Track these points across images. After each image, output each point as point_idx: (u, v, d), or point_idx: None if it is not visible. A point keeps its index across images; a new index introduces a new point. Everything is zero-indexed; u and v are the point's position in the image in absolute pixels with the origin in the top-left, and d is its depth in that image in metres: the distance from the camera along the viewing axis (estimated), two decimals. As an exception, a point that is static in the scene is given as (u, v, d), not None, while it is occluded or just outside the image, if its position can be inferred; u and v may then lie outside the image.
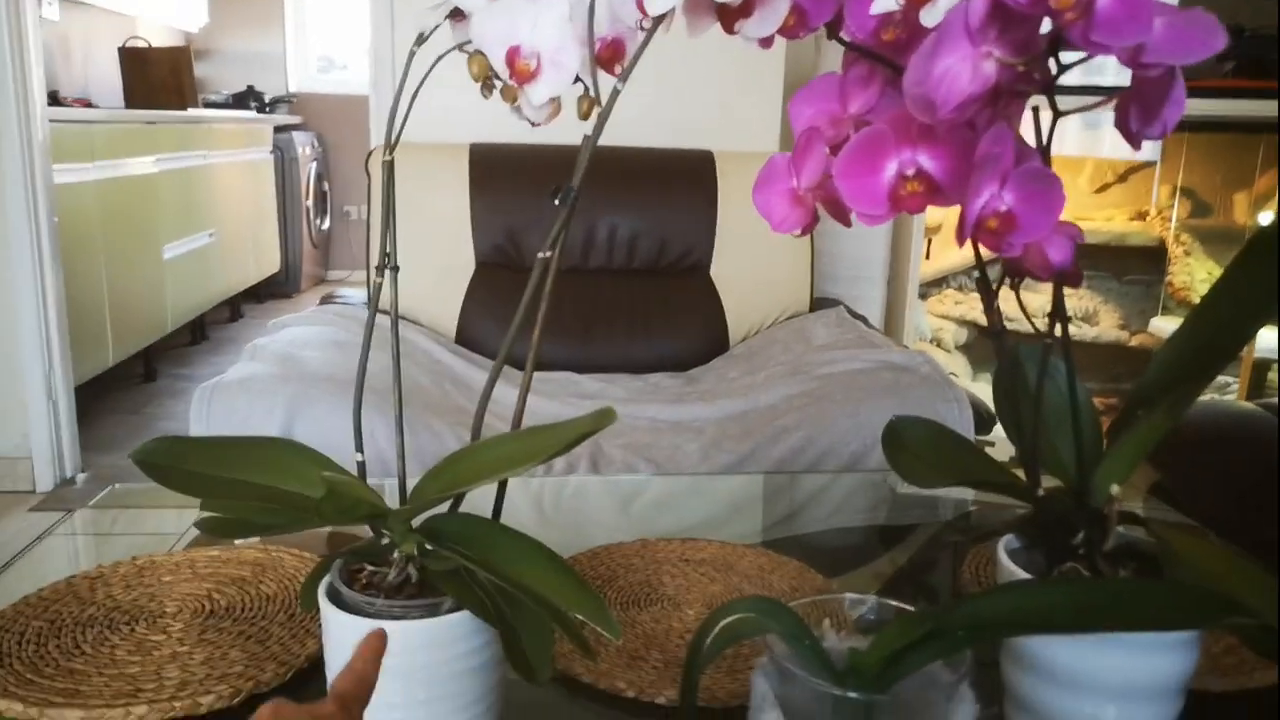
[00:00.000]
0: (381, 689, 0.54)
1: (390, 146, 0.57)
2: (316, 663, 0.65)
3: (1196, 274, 2.61)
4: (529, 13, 0.49)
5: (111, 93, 3.94)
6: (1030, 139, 0.51)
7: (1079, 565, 0.57)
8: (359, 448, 0.61)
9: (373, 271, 0.56)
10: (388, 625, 0.53)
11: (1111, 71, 2.35)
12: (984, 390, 1.47)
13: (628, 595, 0.76)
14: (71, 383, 2.39)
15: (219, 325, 4.15)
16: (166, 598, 0.73)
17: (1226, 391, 2.55)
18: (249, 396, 1.30)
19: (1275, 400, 1.44)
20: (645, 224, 1.95)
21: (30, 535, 0.90)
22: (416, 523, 0.56)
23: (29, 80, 2.23)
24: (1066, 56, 0.44)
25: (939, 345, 2.83)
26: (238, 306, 4.32)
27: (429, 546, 0.55)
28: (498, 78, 0.50)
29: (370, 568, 0.57)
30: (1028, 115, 0.52)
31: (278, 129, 4.56)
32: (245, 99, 4.74)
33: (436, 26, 0.53)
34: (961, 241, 0.47)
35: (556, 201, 0.50)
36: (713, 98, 2.11)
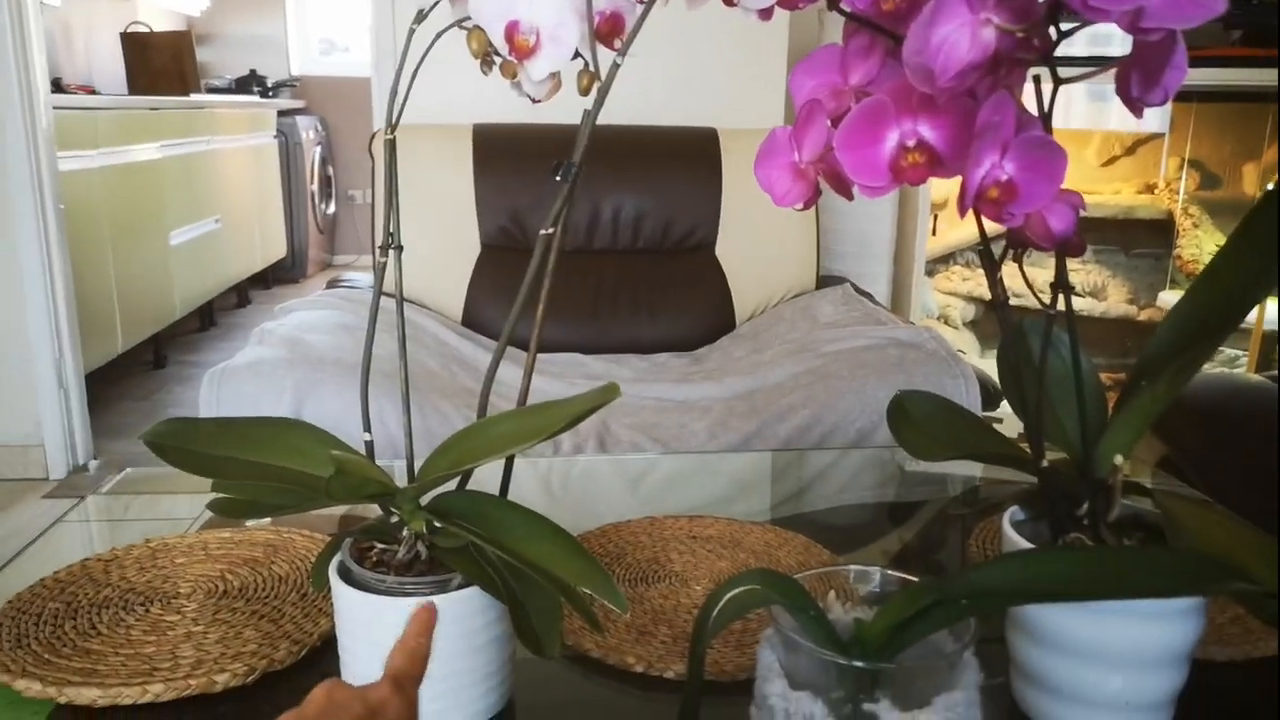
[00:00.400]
0: (392, 664, 0.54)
1: (391, 126, 0.57)
2: (329, 641, 0.65)
3: (1205, 246, 2.59)
4: (528, -11, 0.49)
5: (114, 79, 3.94)
6: (1033, 109, 0.50)
7: (1083, 536, 0.57)
8: (366, 428, 0.61)
9: (377, 253, 0.56)
10: (398, 602, 0.54)
11: (1118, 42, 2.32)
12: (991, 366, 1.47)
13: (636, 572, 0.77)
14: (82, 370, 2.41)
15: (227, 311, 4.16)
16: (180, 579, 0.74)
17: (1236, 365, 2.54)
18: (258, 380, 1.31)
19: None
20: (649, 204, 1.94)
21: (44, 522, 0.91)
22: (424, 500, 0.57)
23: (32, 67, 2.23)
24: (1066, 25, 0.44)
25: (946, 322, 2.82)
26: (245, 292, 4.33)
27: (437, 524, 0.55)
28: (497, 54, 0.50)
29: (380, 546, 0.58)
30: (1030, 86, 0.51)
31: (281, 113, 4.56)
32: (248, 83, 4.73)
33: (436, 3, 0.53)
34: (963, 212, 0.47)
35: (558, 178, 0.50)
36: (716, 74, 2.10)
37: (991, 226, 0.53)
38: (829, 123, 0.55)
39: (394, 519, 0.58)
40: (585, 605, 0.49)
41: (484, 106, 1.98)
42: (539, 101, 0.53)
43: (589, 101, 0.52)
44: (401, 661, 0.43)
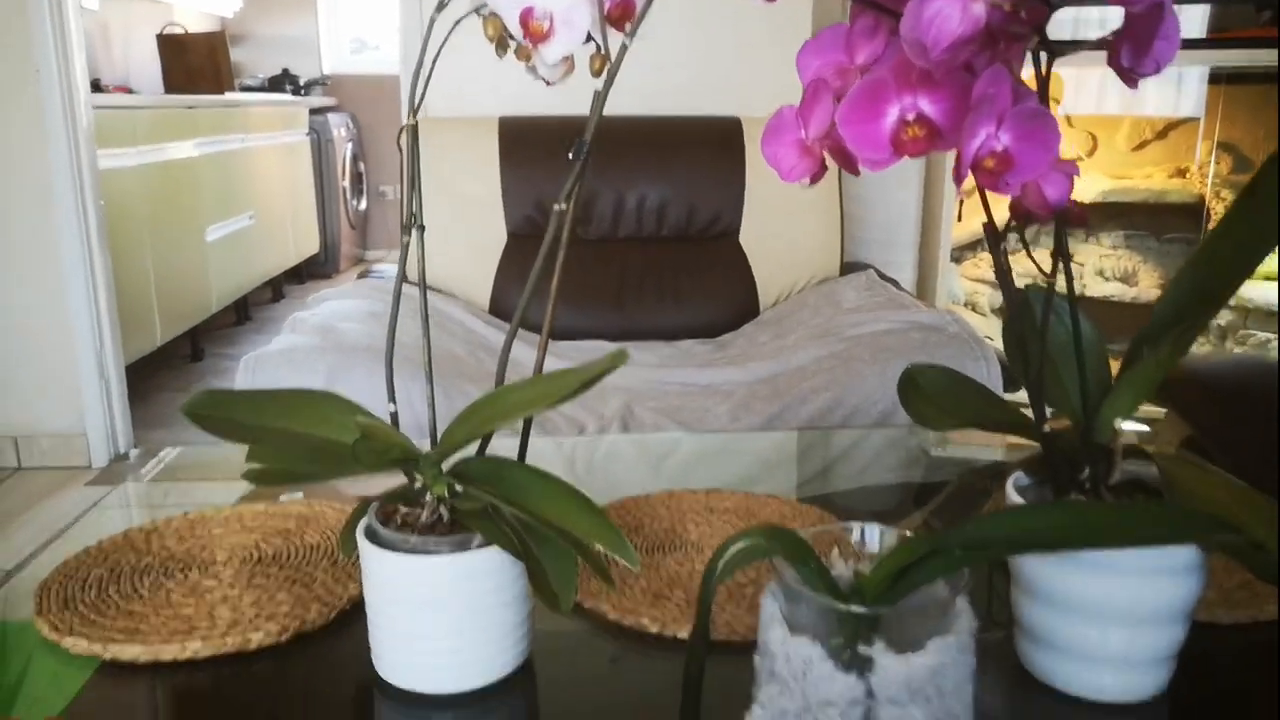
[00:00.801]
0: (419, 620, 0.57)
1: (414, 109, 0.59)
2: (358, 604, 0.68)
3: (1237, 231, 2.56)
4: (540, -27, 0.51)
5: (150, 79, 4.02)
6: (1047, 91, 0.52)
7: (1084, 499, 0.58)
8: (391, 398, 0.64)
9: (401, 234, 0.59)
10: (421, 560, 0.57)
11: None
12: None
13: (653, 541, 0.79)
14: (122, 362, 2.47)
15: (262, 306, 4.24)
16: (217, 548, 0.78)
17: (1267, 348, 2.51)
18: (291, 366, 1.35)
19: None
20: (674, 192, 1.96)
21: (87, 506, 0.95)
22: (446, 466, 0.59)
23: (72, 68, 2.29)
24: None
25: (973, 309, 2.82)
26: (279, 287, 4.41)
27: (458, 488, 0.58)
28: (512, 38, 0.52)
29: (404, 510, 0.61)
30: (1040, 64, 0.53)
31: (313, 111, 4.63)
32: (280, 82, 4.81)
33: (454, -9, 0.55)
34: (959, 181, 0.49)
35: (570, 156, 0.52)
36: (739, 64, 2.12)
37: (1004, 212, 0.55)
38: (834, 100, 0.57)
39: (417, 485, 0.60)
40: (597, 559, 0.51)
41: (509, 99, 2.01)
42: (552, 84, 0.55)
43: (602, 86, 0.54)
44: None
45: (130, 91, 3.65)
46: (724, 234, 1.99)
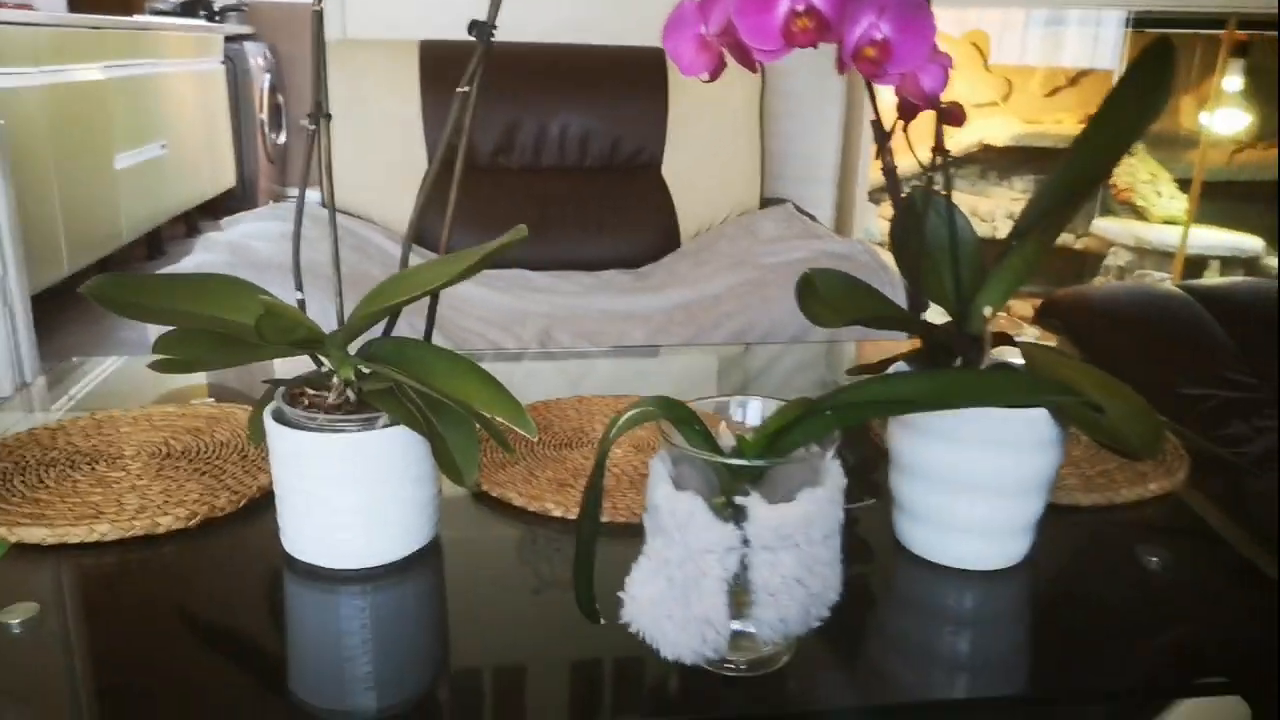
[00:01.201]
0: (326, 497, 0.59)
1: (317, -7, 0.59)
2: (267, 493, 0.70)
3: (1139, 175, 2.67)
4: None
5: (53, 1, 3.82)
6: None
7: (957, 381, 0.62)
8: (298, 286, 0.65)
9: (308, 122, 0.60)
10: (329, 438, 0.59)
11: None
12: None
13: (561, 439, 0.82)
14: (27, 290, 2.39)
15: (176, 241, 4.12)
16: (125, 444, 0.78)
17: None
18: (203, 284, 1.33)
19: (1192, 282, 1.52)
20: (597, 122, 1.97)
21: None
22: (353, 349, 0.61)
23: (-35, -22, 2.17)
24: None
25: (886, 247, 2.89)
26: (194, 223, 4.28)
27: (365, 370, 0.60)
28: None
29: (311, 392, 0.62)
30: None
31: (229, 39, 4.46)
32: (194, 8, 4.61)
33: None
34: (841, 69, 0.52)
35: (471, 35, 0.53)
36: (664, -4, 2.11)
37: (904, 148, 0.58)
38: (733, -3, 0.59)
39: (324, 369, 0.62)
40: (497, 430, 0.54)
41: (431, 23, 1.98)
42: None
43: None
44: None
45: (31, 10, 3.47)
46: (646, 166, 2.00)
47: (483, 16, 0.60)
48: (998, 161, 2.73)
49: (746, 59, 0.59)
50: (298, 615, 0.60)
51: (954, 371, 0.57)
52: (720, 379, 1.22)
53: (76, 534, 0.64)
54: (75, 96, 2.92)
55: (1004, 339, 0.63)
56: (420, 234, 0.65)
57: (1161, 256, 2.57)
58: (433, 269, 0.56)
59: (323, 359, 0.62)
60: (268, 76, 4.75)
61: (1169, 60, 0.54)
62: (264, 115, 4.69)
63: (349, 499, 0.59)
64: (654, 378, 1.18)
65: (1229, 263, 2.53)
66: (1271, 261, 2.57)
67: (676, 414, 0.51)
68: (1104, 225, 2.78)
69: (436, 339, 0.64)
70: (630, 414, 0.51)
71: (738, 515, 0.48)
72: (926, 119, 0.61)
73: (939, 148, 0.59)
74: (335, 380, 0.61)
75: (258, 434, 0.63)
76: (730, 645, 0.50)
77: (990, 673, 0.55)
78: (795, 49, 0.55)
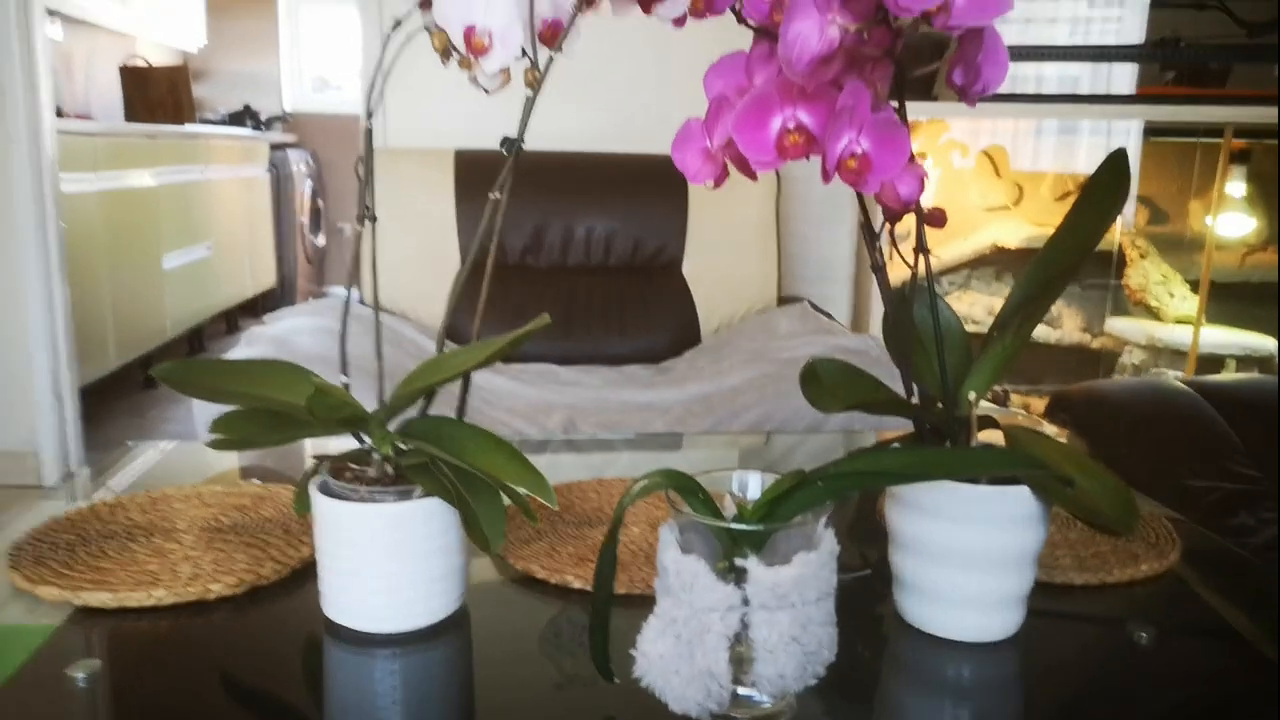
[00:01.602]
0: (365, 563, 0.65)
1: (369, 114, 0.68)
2: (308, 564, 0.75)
3: (1151, 276, 2.73)
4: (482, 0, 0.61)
5: (112, 109, 4.06)
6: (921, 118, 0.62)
7: (946, 460, 0.67)
8: (343, 369, 0.72)
9: (353, 226, 0.67)
10: (367, 508, 0.64)
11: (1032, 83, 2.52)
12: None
13: (581, 518, 0.87)
14: (76, 382, 2.50)
15: (217, 339, 4.26)
16: (178, 519, 0.84)
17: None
18: (247, 375, 1.41)
19: (1199, 378, 1.56)
20: (620, 224, 2.07)
21: (42, 516, 1.00)
22: (392, 427, 0.67)
23: (38, 95, 2.35)
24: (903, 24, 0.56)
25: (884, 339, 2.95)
26: (235, 320, 4.43)
27: (403, 446, 0.66)
28: (456, 50, 0.61)
29: (354, 468, 0.68)
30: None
31: (274, 147, 4.69)
32: (241, 118, 4.88)
33: (410, 12, 0.64)
34: (826, 179, 0.59)
35: (503, 150, 0.61)
36: (682, 108, 2.24)
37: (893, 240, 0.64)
38: (735, 116, 0.67)
39: (366, 445, 0.68)
40: (523, 500, 0.59)
41: (465, 133, 2.11)
42: (491, 93, 0.65)
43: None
44: None
45: (91, 120, 3.69)
46: (668, 265, 2.09)
47: (512, 130, 0.68)
48: (1010, 262, 2.80)
49: (746, 168, 0.67)
50: (335, 676, 0.64)
51: (935, 448, 0.62)
52: (740, 466, 1.27)
53: (135, 598, 0.69)
54: (129, 201, 3.09)
55: (990, 423, 0.68)
56: (453, 330, 0.72)
57: (1175, 355, 2.60)
58: (465, 354, 0.63)
59: (365, 436, 0.68)
60: (309, 182, 4.97)
61: (1124, 169, 0.61)
62: (304, 218, 4.89)
63: (386, 565, 0.65)
64: (673, 464, 1.23)
65: (1244, 361, 2.57)
66: (1288, 359, 2.60)
67: (683, 484, 0.56)
68: (1119, 325, 2.83)
69: (468, 422, 0.70)
70: (642, 483, 0.56)
71: (739, 577, 0.53)
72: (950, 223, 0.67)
73: (920, 246, 0.66)
74: (376, 456, 0.67)
75: (303, 504, 0.69)
76: (733, 705, 0.55)
77: (980, 733, 0.58)
78: (788, 160, 0.63)
